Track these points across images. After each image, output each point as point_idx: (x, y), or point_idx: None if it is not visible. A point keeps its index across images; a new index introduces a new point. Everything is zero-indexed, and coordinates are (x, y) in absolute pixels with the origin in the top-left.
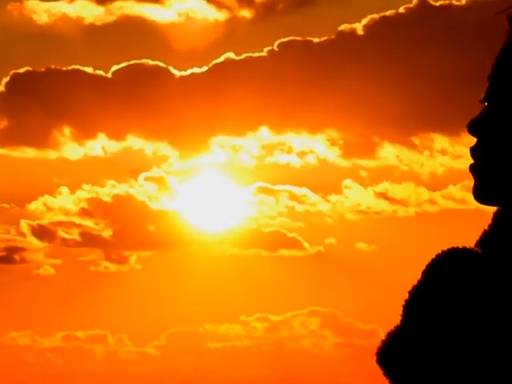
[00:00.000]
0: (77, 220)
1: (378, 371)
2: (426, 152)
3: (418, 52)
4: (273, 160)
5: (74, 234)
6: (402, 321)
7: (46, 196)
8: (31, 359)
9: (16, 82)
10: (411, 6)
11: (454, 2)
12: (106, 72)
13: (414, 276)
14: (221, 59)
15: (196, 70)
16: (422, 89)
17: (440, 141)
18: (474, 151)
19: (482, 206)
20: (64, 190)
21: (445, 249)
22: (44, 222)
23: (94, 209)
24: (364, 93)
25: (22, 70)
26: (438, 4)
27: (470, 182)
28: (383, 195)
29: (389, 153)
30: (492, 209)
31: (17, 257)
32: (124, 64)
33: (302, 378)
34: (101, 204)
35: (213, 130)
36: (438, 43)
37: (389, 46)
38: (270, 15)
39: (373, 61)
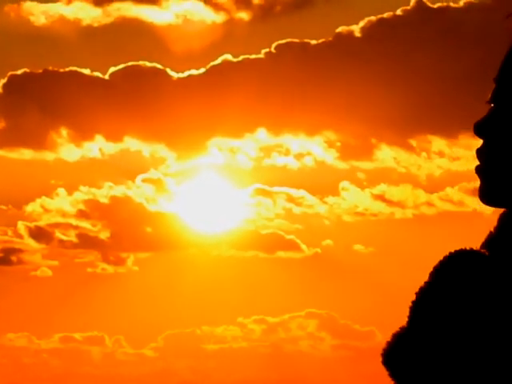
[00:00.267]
0: (74, 221)
1: (375, 373)
2: (424, 154)
3: (416, 54)
4: (270, 162)
5: (72, 236)
6: (408, 322)
7: (44, 197)
8: (28, 361)
9: (13, 84)
10: (408, 8)
11: (452, 5)
12: (104, 74)
13: (412, 278)
14: (218, 61)
15: (193, 71)
16: (419, 91)
17: (437, 143)
18: (479, 153)
19: (479, 208)
20: (61, 191)
21: (442, 251)
22: (41, 223)
23: (92, 210)
24: (361, 95)
25: (19, 72)
26: (435, 6)
27: (468, 184)
28: (380, 197)
29: (386, 155)
30: (490, 211)
31: (14, 258)
32: (121, 66)
33: (300, 379)
34: (98, 205)
35: (210, 131)
36: (435, 45)
37: (386, 48)
38: (268, 17)
39: (370, 63)
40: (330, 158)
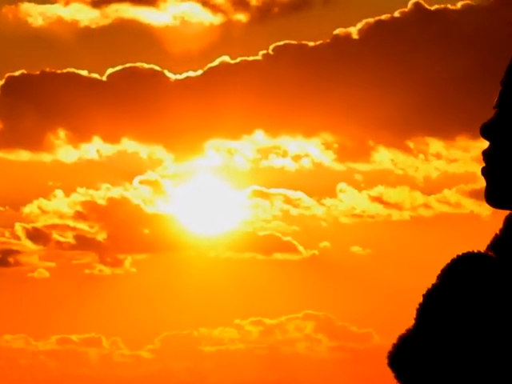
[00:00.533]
0: (71, 223)
1: (372, 374)
2: (421, 156)
3: (413, 56)
4: (268, 163)
5: (69, 237)
6: (415, 324)
7: (41, 199)
8: (25, 362)
9: (11, 85)
10: (406, 10)
11: (449, 7)
12: (101, 75)
13: (409, 279)
14: (216, 63)
15: (191, 73)
16: (417, 92)
17: (435, 145)
18: (486, 155)
19: (476, 210)
20: (59, 193)
21: (440, 252)
22: (38, 224)
23: (89, 212)
24: (359, 97)
25: (17, 73)
26: (433, 8)
27: (465, 186)
28: (378, 199)
29: (384, 157)
30: (487, 213)
31: (11, 260)
32: (119, 67)
33: (297, 381)
34: (95, 207)
35: (208, 133)
36: (433, 47)
37: (384, 50)
38: (265, 19)
39: (368, 65)
40: (328, 159)
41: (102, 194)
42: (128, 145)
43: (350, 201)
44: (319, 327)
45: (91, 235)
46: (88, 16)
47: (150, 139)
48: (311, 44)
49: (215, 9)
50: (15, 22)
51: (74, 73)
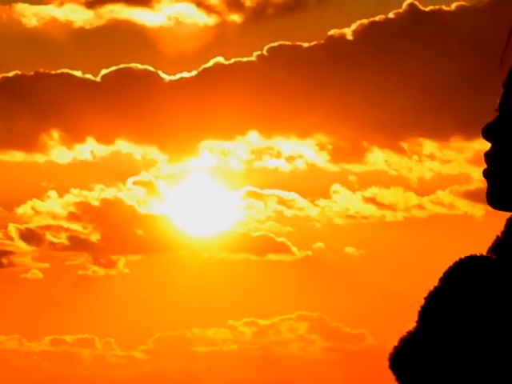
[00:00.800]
0: (65, 224)
1: (365, 375)
2: (415, 157)
3: (408, 57)
4: (262, 164)
5: (62, 238)
6: (416, 326)
7: (34, 200)
8: (19, 363)
9: (5, 86)
10: (400, 11)
11: (444, 8)
12: (95, 76)
13: (403, 280)
14: (210, 64)
15: (185, 74)
16: (411, 94)
17: (429, 146)
18: (487, 156)
19: (470, 211)
20: (52, 193)
21: (433, 253)
22: (32, 225)
23: (83, 213)
24: (353, 97)
25: (10, 74)
26: (427, 9)
27: (459, 187)
28: (372, 200)
29: (377, 157)
30: (481, 214)
31: (4, 260)
32: (113, 68)
33: (290, 382)
34: (89, 208)
35: (202, 134)
36: (427, 48)
37: (378, 51)
38: (260, 20)
39: (362, 66)
40: (322, 160)
41: (96, 194)
42: (122, 145)
43: (344, 202)
44: (313, 328)
45: (85, 236)
46: (82, 17)
47: (144, 140)
48: (305, 45)
49: (209, 9)
50: (9, 22)
51: (68, 73)
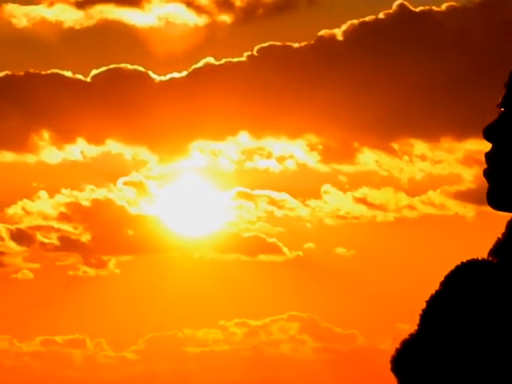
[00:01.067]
0: (55, 224)
1: (356, 375)
2: (406, 157)
3: (398, 57)
4: (252, 165)
5: (53, 239)
6: (418, 329)
7: (25, 200)
8: (9, 363)
9: None
10: (391, 11)
11: (434, 8)
12: (86, 76)
13: (394, 281)
14: (200, 64)
15: (175, 74)
16: (401, 94)
17: (419, 146)
18: (488, 156)
19: (461, 211)
20: (43, 194)
21: (424, 254)
22: (22, 226)
23: (73, 213)
24: (343, 98)
25: (1, 74)
26: (417, 10)
27: (450, 187)
28: (362, 200)
29: (368, 158)
30: (471, 214)
31: None
32: (103, 68)
33: (281, 382)
34: (80, 208)
35: (192, 134)
36: (417, 49)
37: (368, 51)
38: (250, 20)
39: (352, 66)
40: (312, 161)
41: (87, 195)
42: (112, 146)
43: (335, 202)
44: (304, 328)
45: (75, 236)
46: (72, 17)
47: (135, 140)
48: (296, 45)
49: (200, 10)
50: None
51: (58, 74)
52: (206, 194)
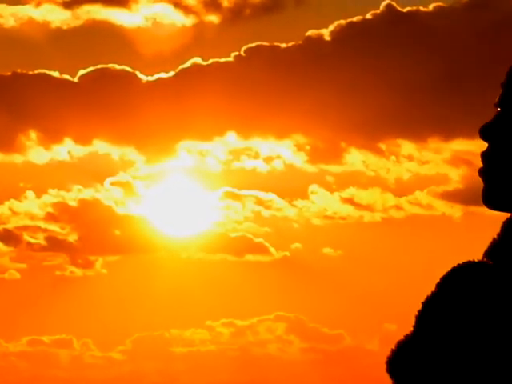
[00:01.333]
0: (42, 224)
1: (343, 376)
2: (393, 158)
3: (385, 58)
4: (239, 165)
5: (40, 239)
6: (414, 331)
7: (12, 200)
8: None
9: None
10: (378, 12)
11: (421, 9)
12: (73, 76)
13: (381, 281)
14: (188, 64)
15: (163, 74)
16: (388, 94)
17: (406, 146)
18: (484, 155)
19: (448, 212)
20: (30, 194)
21: (411, 254)
22: (9, 226)
23: (60, 213)
24: (331, 98)
25: None
26: (405, 10)
27: (437, 188)
28: (349, 200)
29: (355, 158)
30: (458, 215)
31: None
32: (91, 68)
33: (268, 382)
34: (67, 208)
35: (179, 134)
36: (405, 49)
37: (356, 51)
38: (237, 20)
39: (340, 67)
40: (299, 161)
41: (74, 195)
42: (99, 146)
43: (322, 202)
44: (291, 328)
45: (62, 236)
46: (59, 17)
47: (122, 140)
48: (283, 45)
49: (187, 10)
50: None
51: (45, 74)
52: (194, 194)
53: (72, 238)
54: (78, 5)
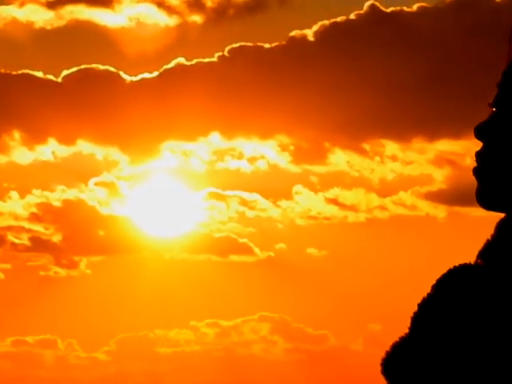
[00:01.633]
0: (26, 225)
1: (328, 376)
2: (377, 158)
3: (369, 58)
4: (223, 165)
5: (24, 239)
6: (409, 332)
7: None
8: None
9: None
10: (362, 12)
11: (405, 9)
12: (57, 76)
13: (365, 281)
14: (171, 64)
15: (146, 75)
16: (372, 95)
17: (391, 147)
18: (479, 155)
19: (432, 212)
20: (14, 194)
21: (395, 254)
22: None
23: (44, 213)
24: (315, 98)
25: None
26: (388, 11)
27: (421, 188)
28: (334, 201)
29: (339, 158)
30: (443, 215)
31: None
32: (74, 69)
33: (253, 383)
34: (51, 209)
35: (163, 135)
36: (388, 50)
37: (339, 52)
38: (221, 20)
39: (323, 67)
40: (283, 161)
41: (58, 195)
42: (83, 146)
43: (306, 203)
44: (275, 329)
45: (46, 237)
46: (43, 17)
47: (106, 141)
48: (267, 46)
49: (170, 10)
50: None
51: (28, 74)
52: (177, 195)
53: (56, 238)
54: (62, 5)
